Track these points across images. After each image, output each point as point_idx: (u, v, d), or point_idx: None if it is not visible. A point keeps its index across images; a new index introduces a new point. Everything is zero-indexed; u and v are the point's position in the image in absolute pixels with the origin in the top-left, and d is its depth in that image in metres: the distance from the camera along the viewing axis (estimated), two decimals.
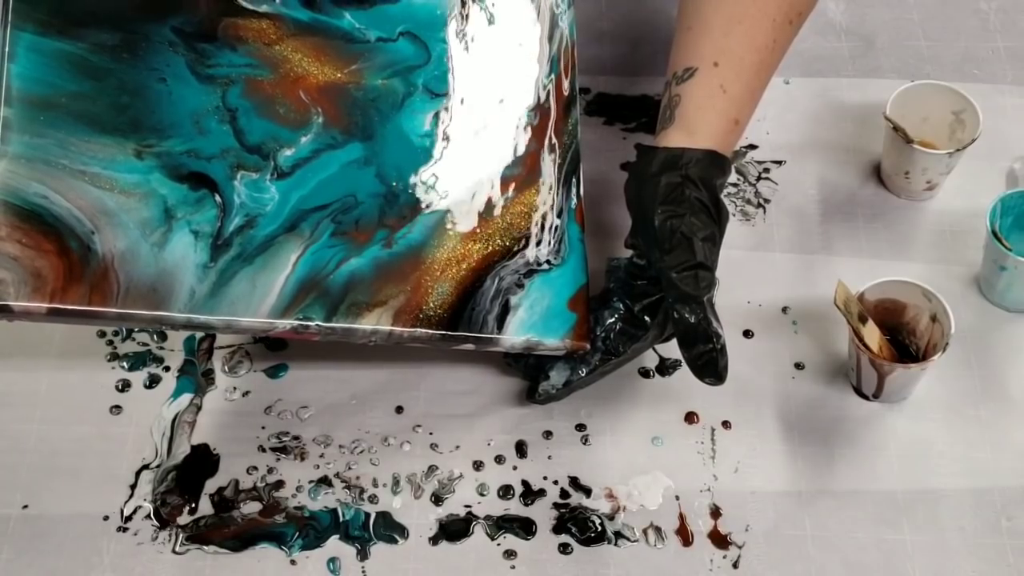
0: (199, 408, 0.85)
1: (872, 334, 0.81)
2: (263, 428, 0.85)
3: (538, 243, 0.79)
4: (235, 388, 0.86)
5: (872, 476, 0.82)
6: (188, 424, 0.84)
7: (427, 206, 0.76)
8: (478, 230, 0.77)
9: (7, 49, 0.66)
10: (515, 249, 0.78)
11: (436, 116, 0.78)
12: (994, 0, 1.08)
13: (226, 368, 0.87)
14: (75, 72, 0.68)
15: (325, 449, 0.84)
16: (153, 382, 0.86)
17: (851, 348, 0.83)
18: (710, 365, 0.76)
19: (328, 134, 0.74)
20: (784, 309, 0.90)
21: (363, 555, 0.79)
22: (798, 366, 0.87)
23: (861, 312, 0.81)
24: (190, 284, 0.68)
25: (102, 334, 0.88)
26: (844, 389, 0.86)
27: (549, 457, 0.83)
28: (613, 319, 0.80)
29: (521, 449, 0.84)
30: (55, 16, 0.68)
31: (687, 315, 0.75)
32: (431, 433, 0.84)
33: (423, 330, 0.74)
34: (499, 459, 0.83)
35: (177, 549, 0.79)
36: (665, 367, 0.87)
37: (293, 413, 0.85)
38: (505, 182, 0.79)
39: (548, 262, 0.79)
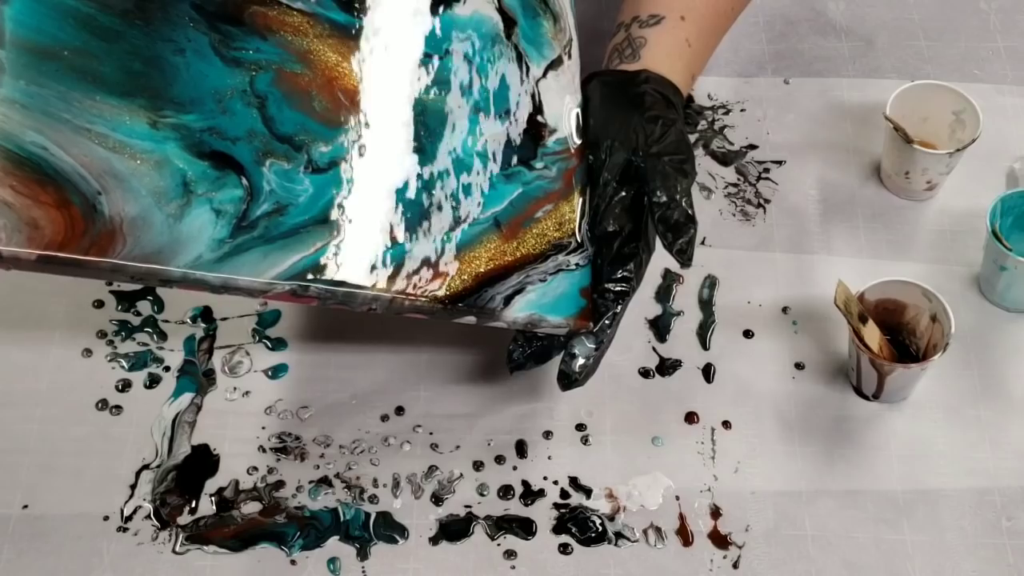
0: (199, 408, 0.85)
1: (872, 334, 0.81)
2: (263, 428, 0.85)
3: (573, 250, 0.79)
4: (235, 388, 0.86)
5: (872, 476, 0.82)
6: (188, 424, 0.84)
7: (473, 219, 0.75)
8: (517, 237, 0.77)
9: None
10: (549, 255, 0.78)
11: (487, 136, 0.77)
12: (994, 0, 1.08)
13: (226, 368, 0.87)
14: (79, 28, 0.66)
15: (325, 449, 0.84)
16: (153, 382, 0.86)
17: (851, 348, 0.83)
18: (691, 247, 0.78)
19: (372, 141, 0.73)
20: (784, 309, 0.90)
21: (363, 555, 0.79)
22: (798, 366, 0.87)
23: (861, 312, 0.81)
24: (199, 251, 0.66)
25: (102, 334, 0.88)
26: (844, 389, 0.86)
27: (549, 457, 0.83)
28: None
29: (521, 449, 0.84)
30: None
31: (678, 196, 0.77)
32: (431, 433, 0.84)
33: (424, 299, 0.72)
34: (499, 459, 0.83)
35: (177, 549, 0.79)
36: (665, 367, 0.87)
37: (293, 413, 0.85)
38: (548, 195, 0.78)
39: (577, 264, 0.79)
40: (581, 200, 0.79)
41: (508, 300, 0.75)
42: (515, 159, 0.78)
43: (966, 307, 0.89)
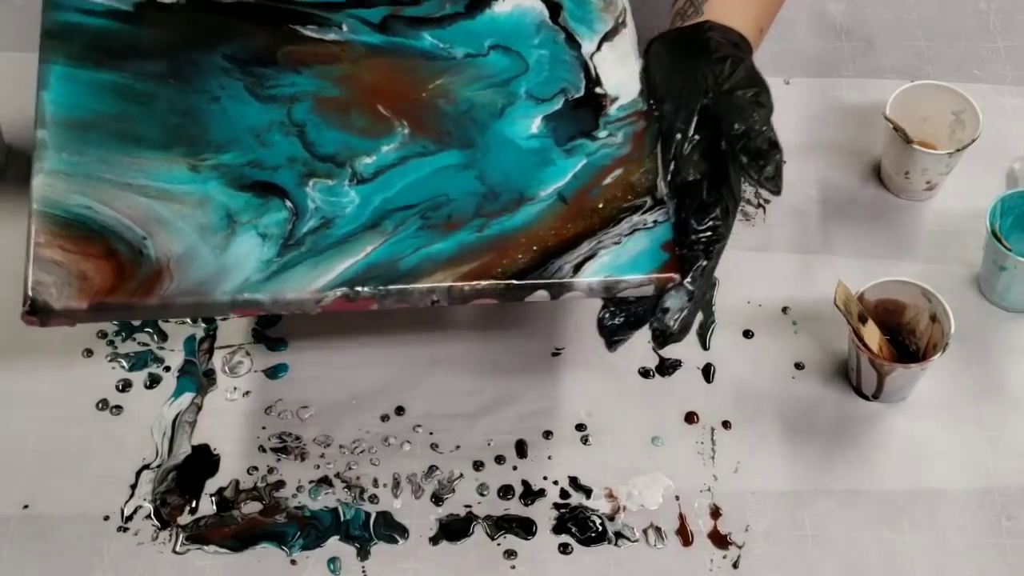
0: (200, 408, 0.85)
1: (872, 334, 0.82)
2: (263, 428, 0.85)
3: (649, 209, 0.76)
4: (235, 388, 0.86)
5: (872, 476, 0.82)
6: (188, 424, 0.84)
7: (534, 198, 0.74)
8: (584, 206, 0.75)
9: (39, 79, 0.71)
10: (622, 218, 0.75)
11: (544, 120, 0.77)
12: (994, 0, 1.08)
13: (226, 368, 0.87)
14: (116, 97, 0.71)
15: (325, 449, 0.84)
16: (153, 382, 0.86)
17: (851, 348, 0.83)
18: (779, 173, 0.74)
19: (418, 143, 0.74)
20: (784, 309, 0.90)
21: (363, 555, 0.79)
22: (798, 366, 0.87)
23: (861, 312, 0.81)
24: (246, 275, 0.68)
25: (103, 334, 0.88)
26: (844, 389, 0.86)
27: (549, 457, 0.83)
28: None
29: (521, 449, 0.84)
30: (89, 51, 0.72)
31: (756, 125, 0.74)
32: (431, 433, 0.84)
33: (487, 282, 0.71)
34: (499, 459, 0.83)
35: (177, 549, 0.79)
36: (665, 367, 0.87)
37: (293, 413, 0.85)
38: (615, 161, 0.77)
39: (655, 221, 0.75)
40: (655, 159, 0.78)
41: (578, 268, 0.73)
42: (575, 133, 0.77)
43: (966, 307, 0.89)
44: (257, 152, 0.71)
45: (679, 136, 0.76)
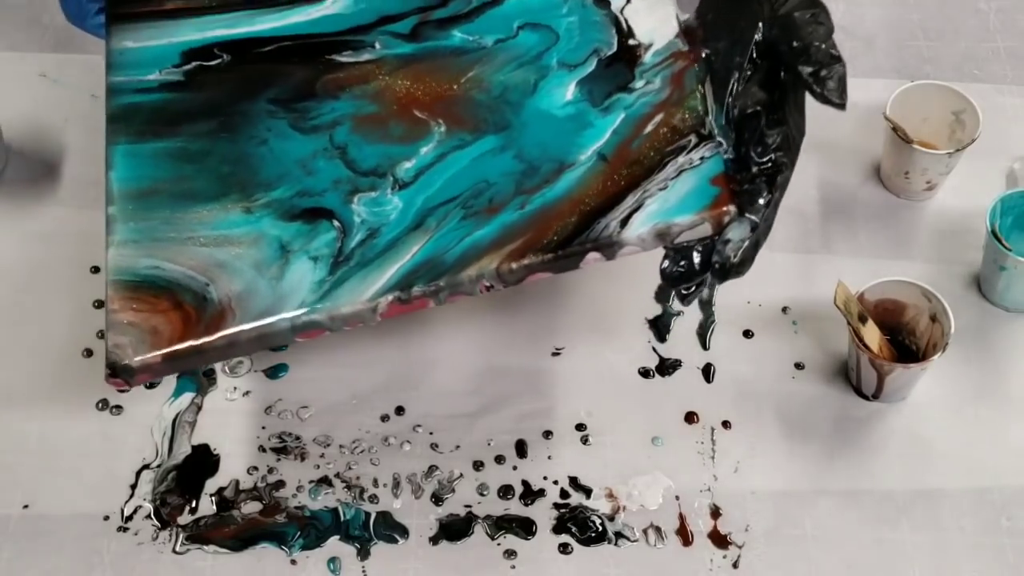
0: (199, 408, 0.85)
1: (872, 334, 0.82)
2: (263, 428, 0.85)
3: (695, 147, 0.75)
4: (235, 388, 0.86)
5: (872, 476, 0.82)
6: (189, 424, 0.84)
7: (574, 163, 0.74)
8: (625, 160, 0.75)
9: (107, 161, 0.75)
10: (666, 162, 0.74)
11: (578, 84, 0.77)
12: (994, 0, 1.08)
13: (226, 368, 0.87)
14: (173, 161, 0.75)
15: (325, 449, 0.84)
16: (153, 382, 0.86)
17: (851, 348, 0.83)
18: (843, 86, 0.70)
19: (455, 138, 0.75)
20: (784, 309, 0.90)
21: (363, 555, 0.79)
22: (798, 366, 0.87)
23: (861, 312, 0.81)
24: (301, 298, 0.70)
25: (103, 335, 0.88)
26: (844, 389, 0.86)
27: (549, 457, 0.83)
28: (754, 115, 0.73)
29: (521, 449, 0.84)
30: (148, 125, 0.76)
31: (816, 42, 0.71)
32: (431, 433, 0.84)
33: (532, 256, 0.71)
34: (499, 459, 0.83)
35: (177, 549, 0.79)
36: (665, 367, 0.87)
37: (293, 413, 0.85)
38: (655, 107, 0.77)
39: (703, 157, 0.74)
40: (698, 96, 0.77)
41: (624, 222, 0.72)
42: (611, 90, 0.77)
43: (966, 307, 0.89)
44: (304, 182, 0.74)
45: (737, 69, 0.74)
